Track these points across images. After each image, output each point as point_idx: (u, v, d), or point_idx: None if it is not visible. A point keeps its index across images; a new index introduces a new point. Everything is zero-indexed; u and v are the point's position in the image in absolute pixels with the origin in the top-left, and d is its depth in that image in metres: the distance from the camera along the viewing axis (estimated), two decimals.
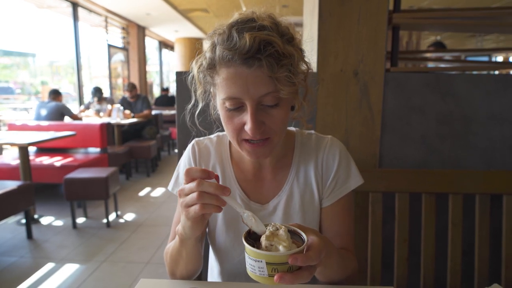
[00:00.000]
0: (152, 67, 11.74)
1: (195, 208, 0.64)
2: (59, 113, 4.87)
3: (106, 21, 7.79)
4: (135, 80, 8.80)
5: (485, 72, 2.28)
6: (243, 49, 0.67)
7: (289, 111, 0.78)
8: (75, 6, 6.53)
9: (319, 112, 1.43)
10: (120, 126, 5.43)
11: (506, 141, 1.41)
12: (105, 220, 3.54)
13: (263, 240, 0.59)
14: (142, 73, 9.16)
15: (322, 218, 0.90)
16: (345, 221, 0.90)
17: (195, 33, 10.14)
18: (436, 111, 1.41)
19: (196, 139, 0.96)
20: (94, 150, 4.61)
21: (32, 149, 4.55)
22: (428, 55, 2.83)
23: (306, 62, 0.79)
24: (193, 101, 0.85)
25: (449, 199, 1.30)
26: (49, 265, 2.70)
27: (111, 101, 6.59)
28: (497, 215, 1.31)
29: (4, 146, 4.86)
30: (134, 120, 5.57)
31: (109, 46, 7.96)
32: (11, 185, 2.96)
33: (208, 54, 0.74)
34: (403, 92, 1.41)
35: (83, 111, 6.05)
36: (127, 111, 5.64)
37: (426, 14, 1.65)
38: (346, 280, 0.82)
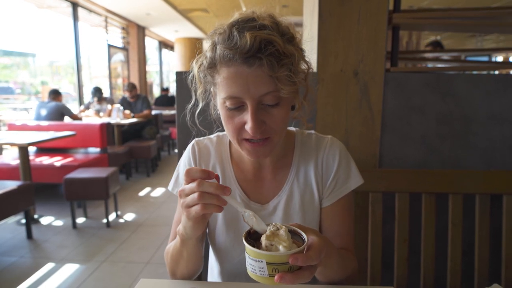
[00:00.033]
0: (152, 67, 11.74)
1: (196, 208, 0.64)
2: (59, 113, 4.87)
3: (106, 21, 7.79)
4: (135, 80, 8.80)
5: (485, 72, 2.28)
6: (244, 48, 0.67)
7: (290, 111, 0.78)
8: (75, 6, 6.53)
9: (319, 112, 1.43)
10: (120, 126, 5.43)
11: (506, 141, 1.41)
12: (105, 220, 3.54)
13: (263, 240, 0.59)
14: (142, 73, 9.16)
15: (322, 218, 0.90)
16: (345, 221, 0.90)
17: (195, 33, 10.14)
18: (436, 111, 1.41)
19: (196, 139, 0.96)
20: (94, 150, 4.60)
21: (32, 149, 4.55)
22: (428, 55, 2.83)
23: (306, 62, 0.79)
24: (193, 101, 0.85)
25: (449, 199, 1.30)
26: (49, 265, 2.70)
27: (111, 101, 6.59)
28: (497, 215, 1.31)
29: (4, 146, 4.86)
30: (134, 120, 5.57)
31: (109, 46, 7.96)
32: (11, 185, 2.96)
33: (208, 54, 0.74)
34: (403, 92, 1.41)
35: (83, 111, 6.05)
36: (127, 111, 5.64)
37: (426, 14, 1.65)
38: (346, 280, 0.82)
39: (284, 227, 0.60)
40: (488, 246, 1.28)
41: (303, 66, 0.79)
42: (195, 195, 0.64)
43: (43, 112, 4.83)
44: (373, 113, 1.41)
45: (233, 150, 0.93)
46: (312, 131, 0.95)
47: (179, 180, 0.93)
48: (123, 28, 8.58)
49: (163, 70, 12.12)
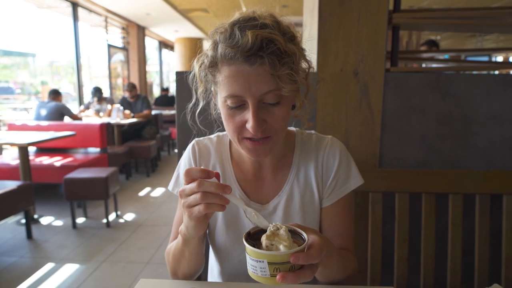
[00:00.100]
0: (152, 67, 11.74)
1: (199, 208, 0.64)
2: (59, 113, 4.87)
3: (106, 21, 7.79)
4: (135, 80, 8.80)
5: (485, 72, 2.28)
6: (245, 46, 0.67)
7: (290, 110, 0.78)
8: (75, 6, 6.53)
9: (319, 112, 1.43)
10: (120, 126, 5.43)
11: (506, 141, 1.41)
12: (105, 220, 3.54)
13: (263, 240, 0.59)
14: (142, 73, 9.16)
15: (322, 218, 0.90)
16: (345, 221, 0.90)
17: (195, 33, 10.14)
18: (436, 111, 1.41)
19: (196, 139, 0.96)
20: (94, 150, 4.60)
21: (32, 149, 4.54)
22: (428, 55, 2.83)
23: (307, 61, 0.79)
24: (194, 100, 0.85)
25: (449, 199, 1.30)
26: (49, 265, 2.70)
27: (111, 101, 6.59)
28: (497, 215, 1.31)
29: (4, 146, 4.86)
30: (134, 120, 5.57)
31: (109, 46, 7.96)
32: (11, 185, 2.96)
33: (210, 52, 0.74)
34: (403, 92, 1.41)
35: (83, 111, 6.04)
36: (127, 111, 5.64)
37: (426, 14, 1.65)
38: (346, 280, 0.82)
39: (284, 226, 0.60)
40: (488, 246, 1.28)
41: (304, 65, 0.79)
42: (198, 195, 0.64)
43: (43, 112, 4.82)
44: (373, 113, 1.41)
45: (233, 150, 0.93)
46: (312, 131, 0.95)
47: (179, 180, 0.93)
48: (123, 28, 8.58)
49: (163, 70, 12.13)
